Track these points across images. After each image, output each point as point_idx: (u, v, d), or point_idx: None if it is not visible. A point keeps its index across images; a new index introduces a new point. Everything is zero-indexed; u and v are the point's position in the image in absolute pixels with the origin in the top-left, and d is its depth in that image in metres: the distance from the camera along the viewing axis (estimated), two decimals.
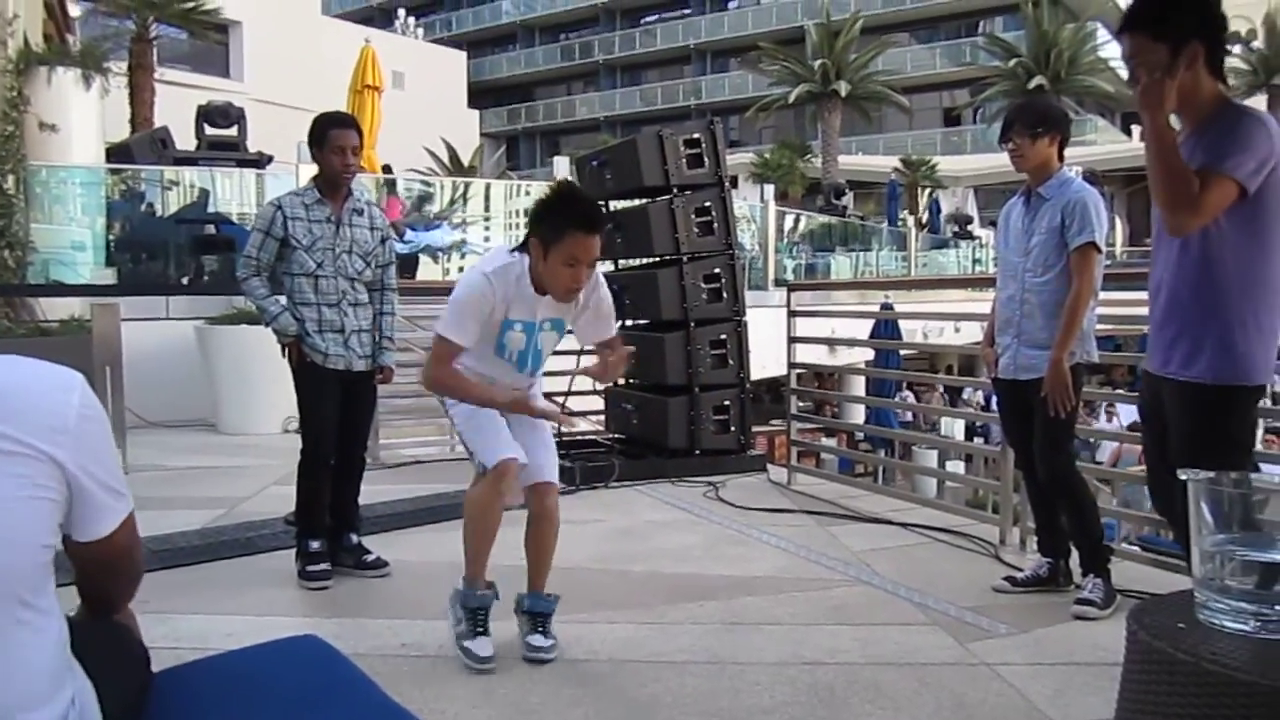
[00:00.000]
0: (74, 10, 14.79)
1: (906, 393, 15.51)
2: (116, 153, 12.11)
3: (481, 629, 3.13)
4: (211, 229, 10.74)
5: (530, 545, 3.29)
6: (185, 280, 10.46)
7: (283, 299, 4.00)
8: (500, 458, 3.06)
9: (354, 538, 4.19)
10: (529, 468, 3.16)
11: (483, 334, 3.05)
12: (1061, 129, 3.71)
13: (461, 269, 12.55)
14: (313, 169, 4.10)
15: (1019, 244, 3.73)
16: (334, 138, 3.94)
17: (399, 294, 4.39)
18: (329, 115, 4.06)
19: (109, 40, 15.84)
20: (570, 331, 3.28)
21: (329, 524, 4.11)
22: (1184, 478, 1.85)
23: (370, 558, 4.16)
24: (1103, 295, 3.77)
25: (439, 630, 3.39)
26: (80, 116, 9.88)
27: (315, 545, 4.03)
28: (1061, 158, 3.71)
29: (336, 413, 4.05)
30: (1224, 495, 1.82)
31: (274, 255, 3.96)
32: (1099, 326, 3.79)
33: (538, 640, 3.17)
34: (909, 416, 14.26)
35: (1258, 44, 32.79)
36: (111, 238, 10.56)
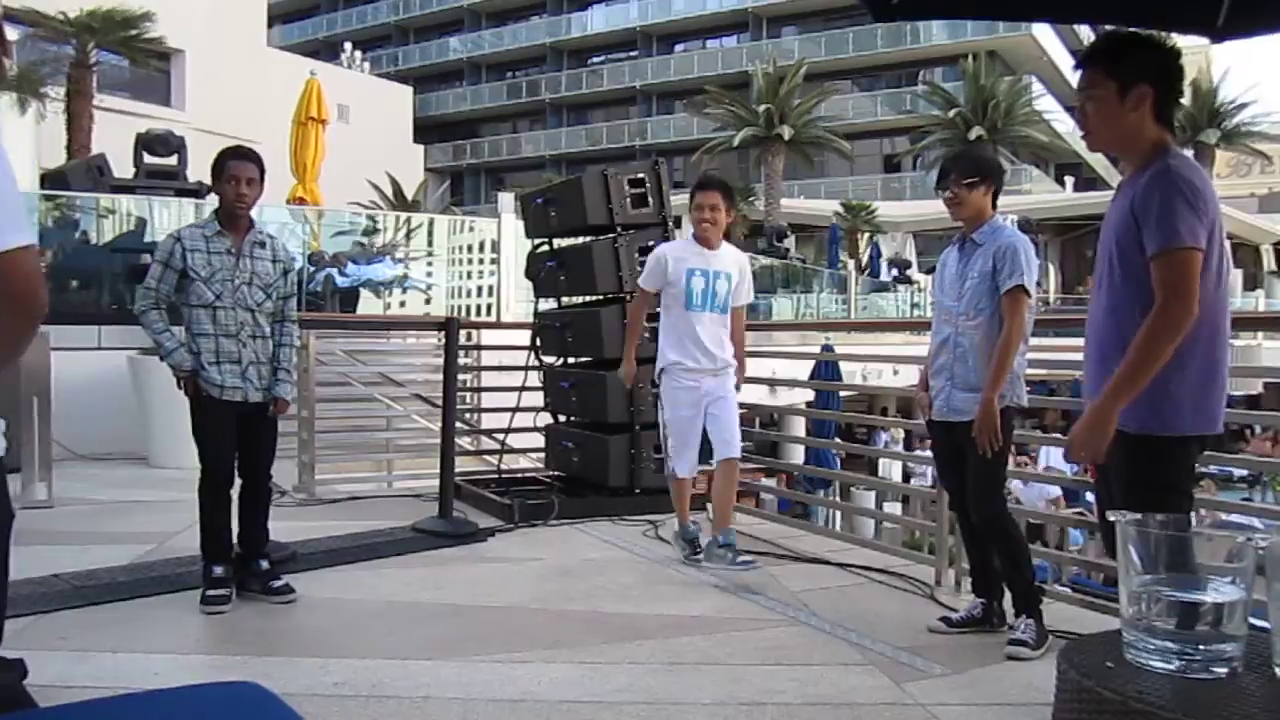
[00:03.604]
0: (11, 34, 14.54)
1: (884, 435, 15.67)
2: (52, 179, 11.90)
3: (696, 551, 4.84)
4: (148, 258, 10.57)
5: (714, 499, 4.85)
6: (117, 307, 10.26)
7: (179, 332, 4.04)
8: (679, 475, 4.85)
9: (263, 564, 4.22)
10: (714, 448, 4.72)
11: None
12: (995, 179, 3.81)
13: (403, 303, 12.47)
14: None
15: (953, 288, 3.80)
16: (230, 168, 4.04)
17: (340, 327, 4.42)
18: (231, 148, 4.16)
19: (47, 65, 15.64)
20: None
21: (237, 552, 4.17)
22: (1112, 519, 1.89)
23: (278, 583, 4.17)
24: (1036, 341, 3.86)
25: (372, 669, 3.34)
26: (14, 141, 9.71)
27: (218, 571, 4.07)
28: (995, 205, 3.80)
29: (233, 443, 4.11)
30: (1151, 537, 1.86)
31: (174, 287, 4.01)
32: (1031, 371, 3.87)
33: (735, 568, 4.58)
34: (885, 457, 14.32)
35: (1184, 102, 33.94)
36: (43, 265, 10.34)
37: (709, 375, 4.75)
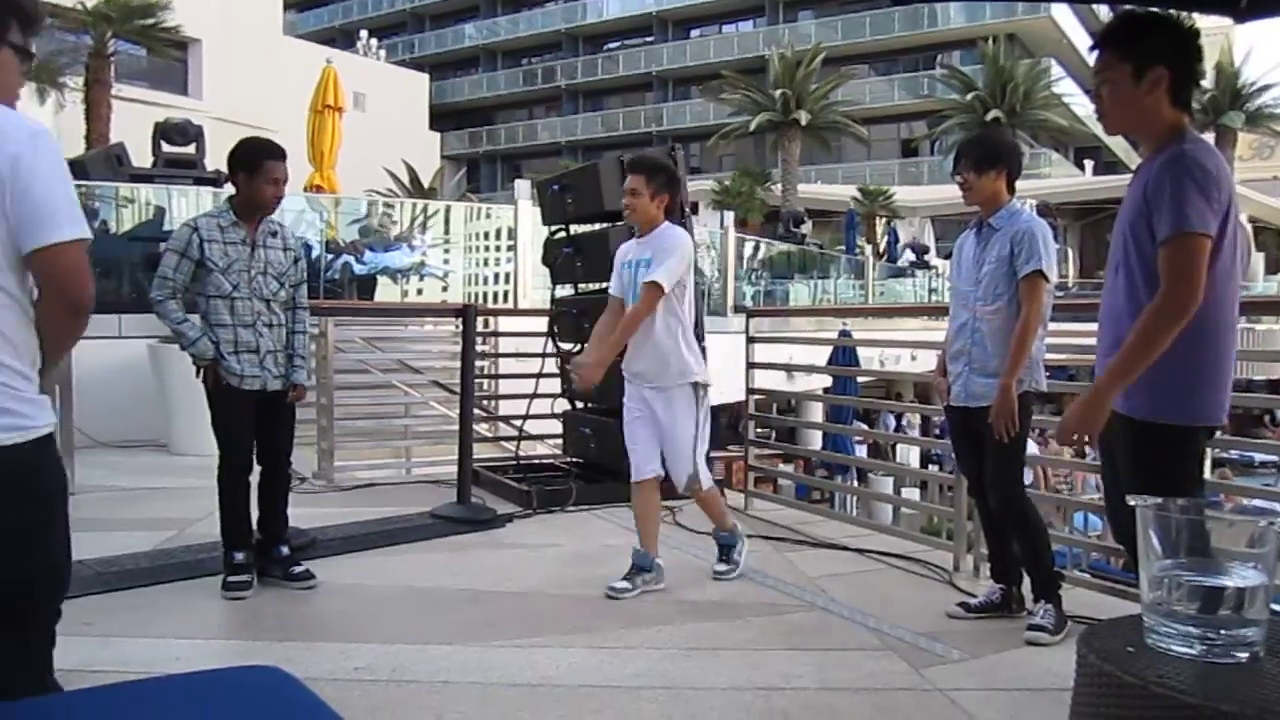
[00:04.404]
0: None
1: (889, 419, 15.66)
2: (71, 168, 11.94)
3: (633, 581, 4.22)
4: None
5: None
6: (137, 296, 10.32)
7: (197, 320, 4.04)
8: (635, 478, 4.33)
9: (283, 550, 4.26)
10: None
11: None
12: (1009, 164, 3.77)
13: (420, 291, 12.49)
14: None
15: (970, 274, 3.79)
16: (270, 169, 4.02)
17: (359, 315, 4.44)
18: (263, 144, 4.11)
19: (65, 55, 15.70)
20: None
21: (258, 538, 4.21)
22: (1133, 504, 1.88)
23: (298, 569, 4.22)
24: (1056, 326, 3.83)
25: (392, 654, 3.37)
26: None
27: (239, 557, 4.10)
28: (1012, 190, 3.77)
29: (251, 431, 4.14)
30: (1171, 521, 1.85)
31: (189, 277, 4.00)
32: (1051, 356, 3.85)
33: (718, 566, 4.44)
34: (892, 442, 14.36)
35: (1206, 84, 33.62)
36: None
37: (646, 386, 4.26)
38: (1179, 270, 2.37)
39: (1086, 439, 2.57)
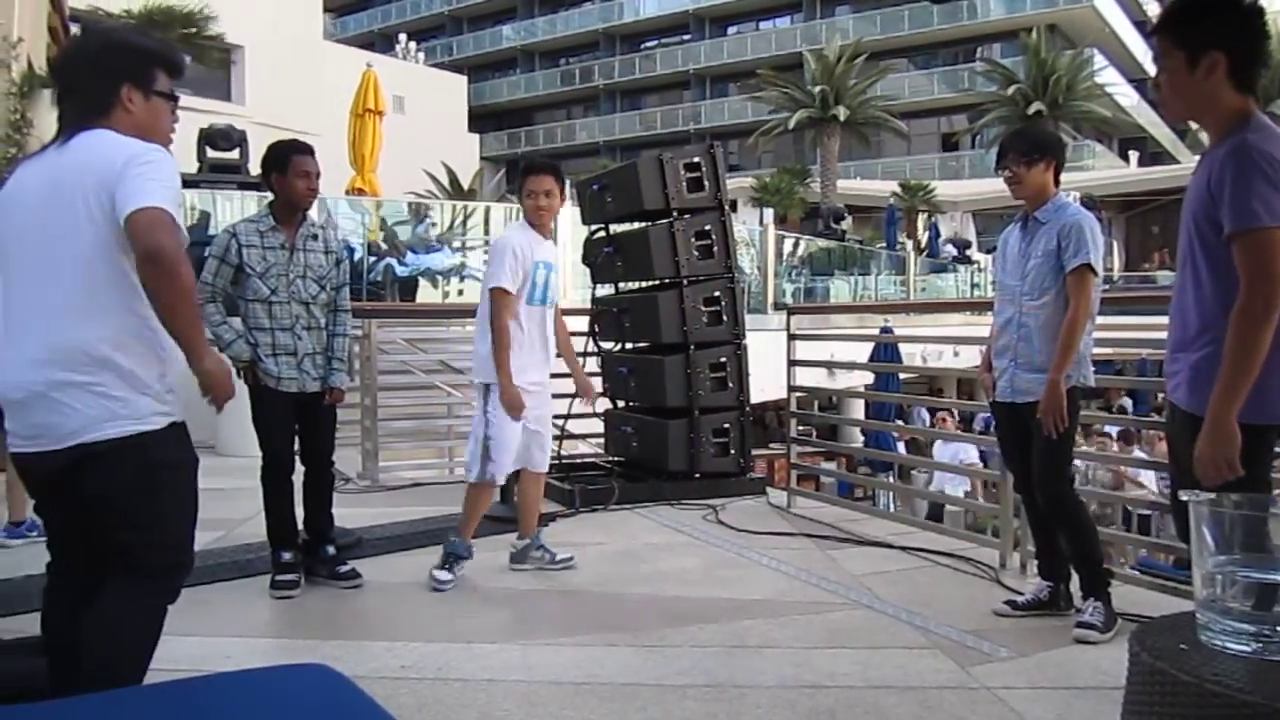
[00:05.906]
0: (77, 34, 14.85)
1: (923, 414, 15.48)
2: None
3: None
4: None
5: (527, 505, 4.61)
6: None
7: (237, 323, 4.10)
8: (503, 478, 4.46)
9: (329, 549, 4.31)
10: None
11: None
12: (1056, 155, 3.74)
13: (461, 292, 12.57)
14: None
15: (1016, 268, 3.75)
16: (298, 163, 4.08)
17: (402, 316, 4.47)
18: (289, 142, 4.19)
19: None
20: None
21: (304, 538, 4.27)
22: (1185, 499, 1.85)
23: (344, 568, 4.27)
24: (1101, 320, 3.78)
25: (438, 652, 3.39)
26: None
27: (286, 556, 4.17)
28: (1057, 183, 3.73)
29: (291, 431, 4.20)
30: (1225, 517, 1.82)
31: (229, 281, 4.07)
32: (1096, 350, 3.80)
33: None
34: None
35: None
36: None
37: (544, 385, 4.43)
38: (1257, 267, 2.27)
39: (1228, 465, 2.33)
